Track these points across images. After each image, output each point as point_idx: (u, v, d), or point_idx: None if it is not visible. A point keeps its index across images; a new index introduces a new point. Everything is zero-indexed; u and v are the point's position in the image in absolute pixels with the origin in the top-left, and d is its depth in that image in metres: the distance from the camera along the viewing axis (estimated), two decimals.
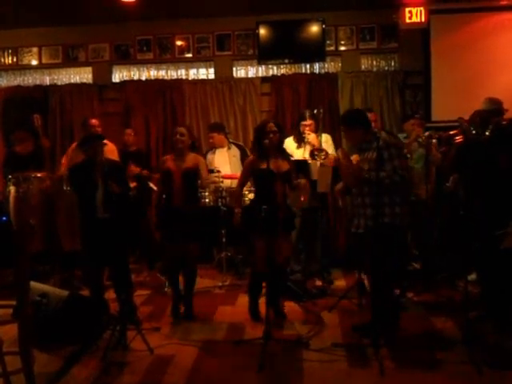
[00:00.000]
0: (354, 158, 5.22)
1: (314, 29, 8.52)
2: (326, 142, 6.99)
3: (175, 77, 9.16)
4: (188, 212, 5.73)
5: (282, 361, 4.68)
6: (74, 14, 8.45)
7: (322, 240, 6.99)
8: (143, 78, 9.20)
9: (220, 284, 7.02)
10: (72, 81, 9.36)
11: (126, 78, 9.20)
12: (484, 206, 5.19)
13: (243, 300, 6.31)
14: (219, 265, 7.50)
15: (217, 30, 8.86)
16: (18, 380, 4.02)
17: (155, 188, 7.41)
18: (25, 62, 9.30)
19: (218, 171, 7.21)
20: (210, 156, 7.74)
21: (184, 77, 9.14)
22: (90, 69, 9.26)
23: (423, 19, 7.98)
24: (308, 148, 6.75)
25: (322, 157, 6.65)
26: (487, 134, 5.21)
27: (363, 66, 8.87)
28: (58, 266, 6.96)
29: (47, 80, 9.40)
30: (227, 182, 7.34)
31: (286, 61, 8.79)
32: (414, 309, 5.94)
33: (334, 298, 6.22)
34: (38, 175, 6.85)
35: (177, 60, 9.09)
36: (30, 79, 9.41)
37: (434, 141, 6.52)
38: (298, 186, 5.66)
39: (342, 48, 8.79)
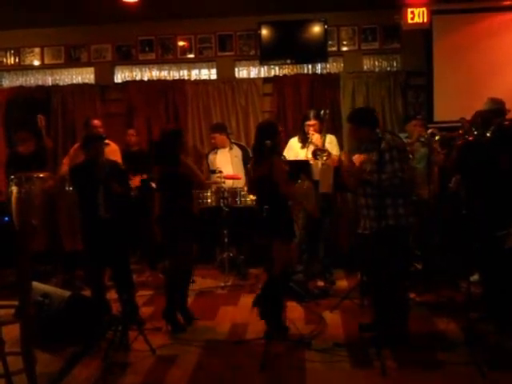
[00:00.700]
0: (356, 158, 5.20)
1: (316, 29, 8.51)
2: (331, 142, 6.98)
3: (177, 77, 9.16)
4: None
5: (284, 361, 4.68)
6: (76, 15, 8.45)
7: (324, 240, 6.99)
8: (145, 79, 9.21)
9: (222, 284, 7.02)
10: (74, 81, 9.36)
11: (128, 79, 9.20)
12: (486, 207, 5.19)
13: (245, 300, 6.32)
14: (221, 265, 7.50)
15: (219, 30, 8.86)
16: (20, 380, 4.03)
17: None
18: (27, 62, 9.30)
19: (220, 172, 7.21)
20: (211, 156, 7.74)
21: (186, 77, 9.14)
22: (92, 69, 9.27)
23: (425, 20, 7.98)
24: (311, 148, 6.75)
25: (324, 157, 6.65)
26: (489, 134, 5.20)
27: (365, 67, 8.87)
28: (60, 267, 6.97)
29: (49, 80, 9.41)
30: (229, 183, 7.35)
31: (288, 61, 8.78)
32: (416, 309, 5.90)
33: (336, 298, 6.22)
34: (40, 175, 6.86)
35: (179, 60, 9.09)
36: (32, 79, 9.42)
37: (436, 138, 6.50)
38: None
39: (344, 48, 8.78)
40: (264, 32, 8.56)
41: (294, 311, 5.94)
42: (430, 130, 6.63)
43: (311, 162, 6.61)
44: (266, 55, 8.67)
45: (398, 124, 8.21)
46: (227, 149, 7.70)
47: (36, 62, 9.28)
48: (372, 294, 5.35)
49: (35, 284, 5.05)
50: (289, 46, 8.57)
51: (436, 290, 6.35)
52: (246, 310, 5.83)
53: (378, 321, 4.94)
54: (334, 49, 8.74)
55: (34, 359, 4.05)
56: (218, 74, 9.04)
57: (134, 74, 9.28)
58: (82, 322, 5.14)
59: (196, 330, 5.49)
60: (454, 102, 8.01)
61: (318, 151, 6.66)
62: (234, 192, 7.20)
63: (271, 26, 8.57)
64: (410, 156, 6.64)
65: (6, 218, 6.86)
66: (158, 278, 7.33)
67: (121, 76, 9.29)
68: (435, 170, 6.91)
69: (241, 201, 7.12)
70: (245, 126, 8.71)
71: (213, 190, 7.24)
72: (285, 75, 8.83)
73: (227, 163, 7.57)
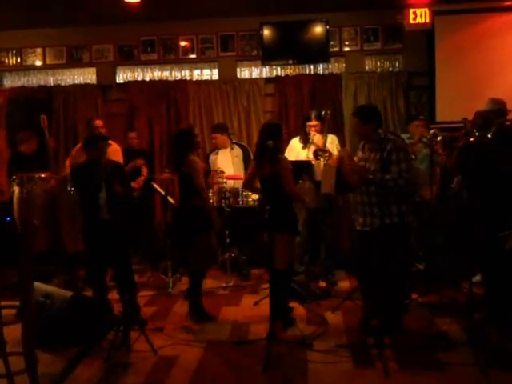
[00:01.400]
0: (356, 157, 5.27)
1: (318, 29, 8.50)
2: (332, 142, 6.98)
3: (179, 77, 9.16)
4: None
5: (286, 362, 4.67)
6: (77, 15, 8.46)
7: (325, 241, 6.98)
8: (147, 79, 9.20)
9: (224, 285, 7.02)
10: (76, 81, 9.37)
11: (129, 79, 9.20)
12: (487, 208, 5.18)
13: (247, 301, 6.33)
14: (223, 266, 7.49)
15: (221, 30, 8.86)
16: (22, 381, 4.03)
17: (159, 188, 7.43)
18: (29, 62, 9.31)
19: (222, 172, 7.20)
20: (213, 157, 7.74)
21: (188, 77, 9.14)
22: (93, 69, 9.27)
23: (427, 20, 7.98)
24: (313, 149, 6.75)
25: (326, 157, 6.65)
26: (490, 135, 5.19)
27: (367, 67, 8.86)
28: (62, 267, 6.96)
29: (51, 81, 9.41)
30: (230, 183, 7.34)
31: (290, 61, 8.77)
32: (418, 310, 5.92)
33: (338, 299, 6.22)
34: (42, 176, 6.85)
35: (181, 61, 9.09)
36: (34, 80, 9.42)
37: (438, 138, 6.49)
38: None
39: (346, 49, 8.78)
40: (266, 32, 8.56)
41: (296, 312, 5.94)
42: (432, 131, 6.62)
43: (313, 163, 6.61)
44: (267, 55, 8.67)
45: (400, 124, 8.21)
46: (228, 149, 7.70)
47: (38, 63, 9.29)
48: (367, 291, 5.35)
49: (37, 284, 5.05)
50: (291, 46, 8.57)
51: (438, 291, 6.35)
52: (248, 310, 5.84)
53: (380, 321, 4.94)
54: (336, 49, 8.74)
55: (36, 359, 4.04)
56: (219, 74, 9.03)
57: (136, 74, 9.28)
58: (83, 322, 5.14)
59: (198, 331, 5.49)
60: (456, 102, 8.00)
61: (319, 151, 6.65)
62: (235, 192, 7.19)
63: (273, 26, 8.56)
64: (413, 157, 6.64)
65: (8, 218, 6.85)
66: (159, 279, 7.33)
67: (122, 76, 9.29)
68: (437, 170, 6.91)
69: (242, 201, 7.12)
70: (246, 127, 8.71)
71: (214, 190, 7.24)
72: (287, 75, 8.83)
73: (228, 163, 7.56)
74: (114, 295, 5.90)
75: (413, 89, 8.60)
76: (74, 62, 9.23)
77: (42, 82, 9.38)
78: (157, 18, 8.67)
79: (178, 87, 8.85)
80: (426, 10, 7.96)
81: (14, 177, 6.86)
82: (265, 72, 9.05)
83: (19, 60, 9.31)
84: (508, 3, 8.05)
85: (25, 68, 9.37)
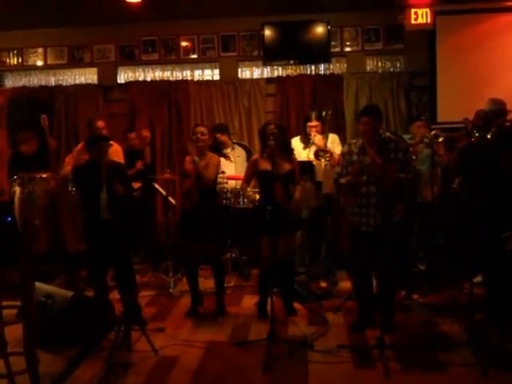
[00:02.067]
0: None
1: (319, 30, 8.51)
2: (333, 142, 6.98)
3: (180, 78, 9.17)
4: (203, 211, 5.80)
5: (287, 362, 4.67)
6: (79, 15, 8.47)
7: (326, 241, 6.98)
8: (148, 79, 9.21)
9: (225, 285, 7.00)
10: (77, 81, 9.38)
11: (131, 79, 9.21)
12: (488, 208, 5.18)
13: (248, 301, 6.33)
14: (224, 266, 7.48)
15: (222, 30, 8.86)
16: (23, 381, 4.03)
17: (160, 189, 7.42)
18: (30, 62, 9.32)
19: (223, 172, 7.19)
20: None
21: (189, 78, 9.15)
22: (95, 70, 9.28)
23: (429, 20, 7.98)
24: (313, 149, 6.74)
25: (327, 158, 6.65)
26: (489, 136, 5.19)
27: (368, 67, 8.87)
28: (63, 267, 6.96)
29: (52, 81, 9.43)
30: (232, 183, 7.33)
31: (291, 62, 8.77)
32: (419, 310, 5.92)
33: (339, 299, 6.21)
34: (43, 176, 6.85)
35: (182, 61, 9.10)
36: (35, 80, 9.44)
37: (440, 139, 6.49)
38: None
39: (347, 49, 8.78)
40: (267, 32, 8.56)
41: (297, 312, 5.95)
42: (433, 132, 6.62)
43: (314, 163, 6.61)
44: (269, 56, 8.67)
45: (402, 125, 8.21)
46: (229, 149, 7.69)
47: (39, 63, 9.29)
48: (364, 293, 5.38)
49: (38, 284, 5.05)
50: (292, 46, 8.57)
51: (439, 291, 6.36)
52: (249, 310, 5.83)
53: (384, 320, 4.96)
54: (337, 49, 8.74)
55: (37, 359, 4.05)
56: (220, 74, 9.04)
57: (137, 74, 9.29)
58: (84, 322, 5.14)
59: (198, 331, 5.49)
60: (458, 102, 8.00)
61: (320, 151, 6.65)
62: (236, 192, 7.18)
63: (274, 26, 8.56)
64: (414, 157, 6.64)
65: (9, 219, 6.84)
66: (160, 279, 7.33)
67: (124, 76, 9.30)
68: (438, 171, 6.90)
69: (244, 201, 7.10)
70: (247, 127, 8.72)
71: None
72: (288, 76, 8.84)
73: (230, 164, 7.55)
74: (114, 295, 5.91)
75: (414, 89, 8.60)
76: (75, 62, 9.24)
77: (43, 82, 9.40)
78: (158, 18, 8.68)
79: (179, 87, 8.86)
80: (427, 10, 7.96)
81: (14, 177, 6.86)
82: (266, 72, 9.06)
83: (20, 60, 9.32)
84: (509, 3, 8.05)
85: (26, 68, 9.38)
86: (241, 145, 7.87)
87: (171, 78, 9.17)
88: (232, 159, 7.45)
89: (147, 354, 4.85)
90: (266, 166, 5.54)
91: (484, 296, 5.51)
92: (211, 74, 9.18)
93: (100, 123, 7.28)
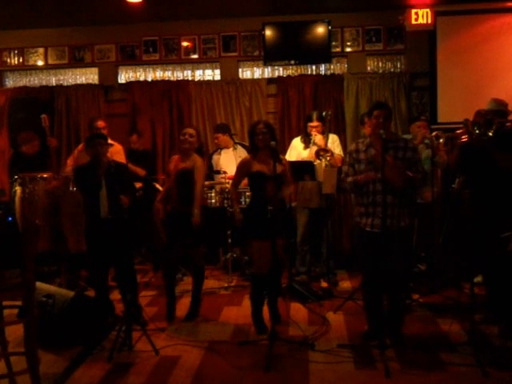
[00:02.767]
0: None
1: (320, 30, 8.51)
2: (333, 142, 7.00)
3: (181, 78, 9.17)
4: (183, 213, 5.73)
5: (288, 362, 4.67)
6: (79, 15, 8.48)
7: (327, 241, 6.98)
8: (149, 79, 9.22)
9: (226, 285, 7.02)
10: (78, 81, 9.38)
11: (131, 79, 9.21)
12: (488, 208, 5.18)
13: (249, 301, 6.32)
14: (225, 266, 7.51)
15: (223, 31, 8.87)
16: (24, 380, 4.03)
17: (161, 189, 7.42)
18: (31, 62, 9.32)
19: (224, 172, 7.21)
20: (215, 157, 7.75)
21: (190, 78, 9.15)
22: (96, 69, 9.29)
23: (429, 21, 7.99)
24: (314, 149, 6.75)
25: (328, 157, 6.66)
26: (490, 133, 5.19)
27: (369, 68, 8.87)
28: (64, 267, 6.97)
29: (53, 81, 9.43)
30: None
31: (292, 62, 8.76)
32: (420, 310, 5.93)
33: (340, 299, 6.23)
34: (44, 176, 6.86)
35: (183, 61, 9.10)
36: (36, 80, 9.45)
37: (441, 140, 6.50)
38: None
39: (348, 49, 8.79)
40: (268, 33, 8.56)
41: (298, 312, 5.96)
42: (434, 133, 6.63)
43: (315, 163, 6.62)
44: (269, 56, 8.68)
45: (402, 125, 8.21)
46: (231, 149, 7.70)
47: (40, 63, 9.30)
48: (373, 293, 5.29)
49: (39, 284, 5.05)
50: (293, 46, 8.58)
51: (439, 292, 6.35)
52: (250, 310, 5.83)
53: (380, 323, 4.95)
54: (338, 50, 8.75)
55: (38, 359, 4.05)
56: (221, 74, 9.04)
57: (138, 74, 9.30)
58: (85, 322, 5.15)
59: (199, 331, 5.49)
60: (458, 103, 8.01)
61: (321, 151, 6.67)
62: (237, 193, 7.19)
63: (275, 26, 8.57)
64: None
65: (10, 219, 6.86)
66: (161, 279, 7.32)
67: (125, 76, 9.31)
68: (438, 171, 6.92)
69: (245, 201, 7.11)
70: (248, 127, 8.70)
71: (217, 190, 7.24)
72: (289, 76, 8.84)
73: (231, 163, 7.55)
74: (115, 295, 5.91)
75: (414, 89, 8.60)
76: (76, 62, 9.24)
77: (44, 82, 9.40)
78: (159, 18, 8.69)
79: (180, 87, 8.86)
80: (428, 10, 7.97)
81: (15, 177, 6.87)
82: (267, 72, 9.07)
83: (21, 60, 9.32)
84: (510, 4, 8.05)
85: (27, 68, 9.38)
86: (242, 145, 7.86)
87: (172, 78, 9.18)
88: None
89: (148, 353, 4.86)
90: (258, 167, 5.41)
91: (484, 296, 5.52)
92: (212, 74, 9.18)
93: (100, 123, 7.29)
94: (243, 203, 7.11)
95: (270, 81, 8.90)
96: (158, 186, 7.49)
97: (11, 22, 8.64)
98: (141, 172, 7.74)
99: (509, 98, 6.35)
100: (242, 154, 7.61)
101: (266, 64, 8.81)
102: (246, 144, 7.92)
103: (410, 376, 4.35)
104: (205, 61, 9.09)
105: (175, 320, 5.81)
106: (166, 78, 9.19)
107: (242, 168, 5.61)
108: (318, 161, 6.67)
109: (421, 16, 7.98)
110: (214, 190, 7.26)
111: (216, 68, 9.13)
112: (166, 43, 9.01)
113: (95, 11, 8.29)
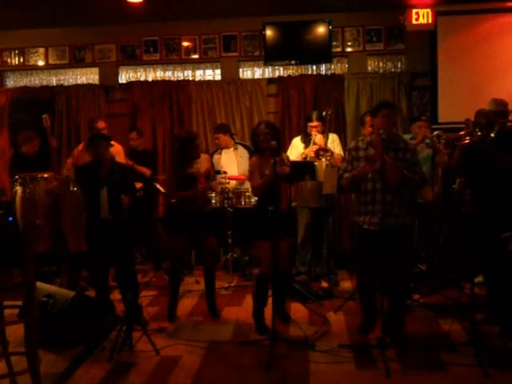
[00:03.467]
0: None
1: (321, 30, 8.50)
2: (333, 141, 7.01)
3: (182, 78, 9.17)
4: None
5: (288, 362, 4.67)
6: (80, 15, 8.47)
7: (328, 241, 6.98)
8: (150, 79, 9.21)
9: (226, 285, 7.01)
10: (79, 81, 9.38)
11: (132, 79, 9.20)
12: (489, 208, 5.18)
13: (250, 301, 6.30)
14: (225, 266, 7.50)
15: (223, 31, 8.86)
16: (24, 380, 4.03)
17: (161, 189, 7.43)
18: (31, 62, 9.32)
19: (225, 172, 7.20)
20: (216, 156, 7.74)
21: (190, 78, 9.14)
22: (96, 69, 9.28)
23: (430, 21, 7.98)
24: (314, 148, 6.75)
25: (328, 157, 6.66)
26: (492, 134, 5.18)
27: (370, 68, 8.86)
28: (64, 267, 6.97)
29: (54, 81, 9.42)
30: (233, 183, 7.35)
31: (293, 62, 8.76)
32: (420, 311, 5.93)
33: (340, 299, 6.23)
34: (45, 176, 6.86)
35: (183, 61, 9.10)
36: (36, 80, 9.44)
37: (442, 140, 6.49)
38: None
39: (349, 49, 8.78)
40: (268, 33, 8.56)
41: (298, 312, 5.96)
42: (436, 132, 6.62)
43: (315, 163, 6.61)
44: (270, 56, 8.67)
45: (403, 125, 8.19)
46: (231, 149, 7.70)
47: (40, 63, 9.30)
48: (367, 289, 5.30)
49: (39, 284, 5.05)
50: (293, 46, 8.57)
51: (441, 292, 6.35)
52: (250, 310, 5.83)
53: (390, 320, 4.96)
54: (339, 50, 8.74)
55: (38, 359, 4.05)
56: (222, 74, 9.04)
57: (139, 74, 9.29)
58: (85, 322, 5.15)
59: (200, 331, 5.49)
60: (459, 103, 8.00)
61: (321, 151, 6.67)
62: (238, 193, 7.19)
63: (276, 26, 8.56)
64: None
65: (11, 218, 6.86)
66: (161, 279, 7.34)
67: (125, 76, 9.30)
68: (439, 171, 6.91)
69: (245, 201, 7.11)
70: (249, 127, 8.67)
71: (217, 190, 7.23)
72: (289, 76, 8.83)
73: (232, 163, 7.56)
74: (115, 295, 5.91)
75: (415, 89, 8.59)
76: (77, 62, 9.24)
77: (44, 82, 9.39)
78: (159, 18, 8.69)
79: (180, 87, 8.86)
80: (429, 10, 7.96)
81: (16, 177, 6.87)
82: (267, 72, 9.06)
83: (22, 60, 9.32)
84: (510, 4, 8.04)
85: (27, 68, 9.38)
86: (243, 145, 7.87)
87: (172, 78, 9.17)
88: None
89: (149, 353, 4.86)
90: (267, 168, 5.39)
91: (485, 296, 5.52)
92: (212, 74, 9.18)
93: (101, 123, 7.29)
94: (243, 203, 7.12)
95: (270, 81, 8.89)
96: (158, 185, 7.49)
97: (12, 22, 8.64)
98: (147, 172, 7.75)
99: (509, 98, 6.35)
100: (243, 153, 7.63)
101: (266, 64, 8.81)
102: (247, 144, 7.95)
103: (411, 376, 4.35)
104: (205, 61, 9.08)
105: (176, 319, 5.82)
106: (167, 78, 9.18)
107: (256, 166, 5.53)
108: (318, 160, 6.66)
109: (421, 16, 7.97)
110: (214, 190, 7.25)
111: (216, 68, 9.12)
112: (166, 43, 9.00)
113: (96, 11, 8.28)
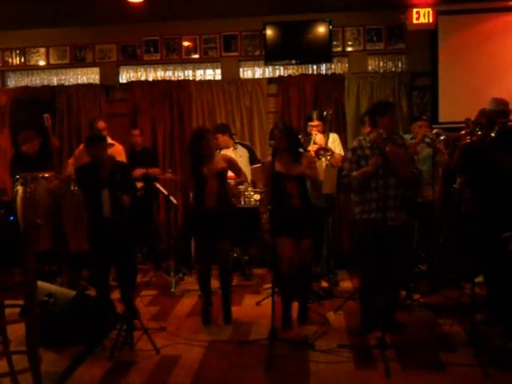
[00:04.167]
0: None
1: (321, 30, 8.50)
2: (334, 141, 7.01)
3: (182, 77, 9.17)
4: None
5: (288, 362, 4.68)
6: (81, 15, 8.48)
7: (327, 241, 6.99)
8: (150, 79, 9.21)
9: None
10: (79, 81, 9.38)
11: (133, 79, 9.20)
12: (489, 208, 5.18)
13: (249, 301, 6.34)
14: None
15: (224, 30, 8.86)
16: (26, 379, 4.04)
17: (162, 189, 7.43)
18: (32, 62, 9.32)
19: None
20: None
21: (191, 77, 9.15)
22: (97, 69, 9.29)
23: (431, 20, 7.97)
24: (315, 148, 6.75)
25: (328, 156, 6.66)
26: (493, 134, 5.19)
27: (370, 67, 8.85)
28: (65, 266, 6.98)
29: (55, 80, 9.43)
30: (232, 183, 7.32)
31: (293, 62, 8.76)
32: (420, 311, 5.93)
33: (340, 299, 6.22)
34: (46, 175, 6.87)
35: (184, 61, 9.10)
36: (37, 80, 9.45)
37: (441, 137, 6.49)
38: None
39: (349, 49, 8.78)
40: (269, 32, 8.56)
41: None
42: (434, 131, 6.62)
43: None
44: (270, 56, 8.67)
45: (403, 125, 8.19)
46: (231, 149, 7.68)
47: (41, 62, 9.30)
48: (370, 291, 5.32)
49: (40, 283, 5.07)
50: (294, 46, 8.56)
51: (441, 292, 6.35)
52: (250, 310, 5.85)
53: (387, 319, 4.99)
54: (339, 49, 8.73)
55: (39, 358, 4.06)
56: (222, 74, 9.04)
57: (139, 74, 9.29)
58: (86, 321, 5.15)
59: (200, 330, 5.50)
60: (460, 102, 7.99)
61: (321, 150, 6.66)
62: (238, 192, 7.18)
63: (276, 26, 8.56)
64: (415, 157, 6.63)
65: (11, 218, 6.87)
66: (162, 279, 7.35)
67: (126, 76, 9.31)
68: (439, 171, 6.91)
69: (245, 201, 7.11)
70: (249, 127, 8.72)
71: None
72: (289, 76, 8.83)
73: None
74: (116, 295, 5.92)
75: (416, 89, 8.59)
76: (78, 61, 9.24)
77: (45, 82, 9.40)
78: (160, 18, 8.69)
79: (180, 87, 8.86)
80: (430, 10, 7.95)
81: (17, 176, 6.88)
82: (267, 72, 9.06)
83: (23, 60, 9.33)
84: (511, 3, 8.04)
85: (28, 68, 9.39)
86: (243, 145, 7.86)
87: (173, 78, 9.17)
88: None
89: (149, 353, 4.87)
90: (279, 167, 5.46)
91: (485, 296, 5.52)
92: (213, 73, 9.18)
93: (101, 124, 7.30)
94: (242, 203, 7.11)
95: (270, 80, 8.89)
96: (158, 185, 7.49)
97: (13, 22, 8.64)
98: (156, 172, 7.81)
99: (510, 97, 6.37)
100: (243, 153, 7.63)
101: (266, 64, 8.81)
102: (247, 143, 7.96)
103: (411, 376, 4.36)
104: (206, 60, 9.08)
105: (177, 318, 5.82)
106: (167, 78, 9.18)
107: (267, 169, 5.56)
108: (318, 160, 6.66)
109: (422, 15, 7.97)
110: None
111: (217, 68, 9.13)
112: (166, 43, 9.00)
113: (96, 11, 8.30)
